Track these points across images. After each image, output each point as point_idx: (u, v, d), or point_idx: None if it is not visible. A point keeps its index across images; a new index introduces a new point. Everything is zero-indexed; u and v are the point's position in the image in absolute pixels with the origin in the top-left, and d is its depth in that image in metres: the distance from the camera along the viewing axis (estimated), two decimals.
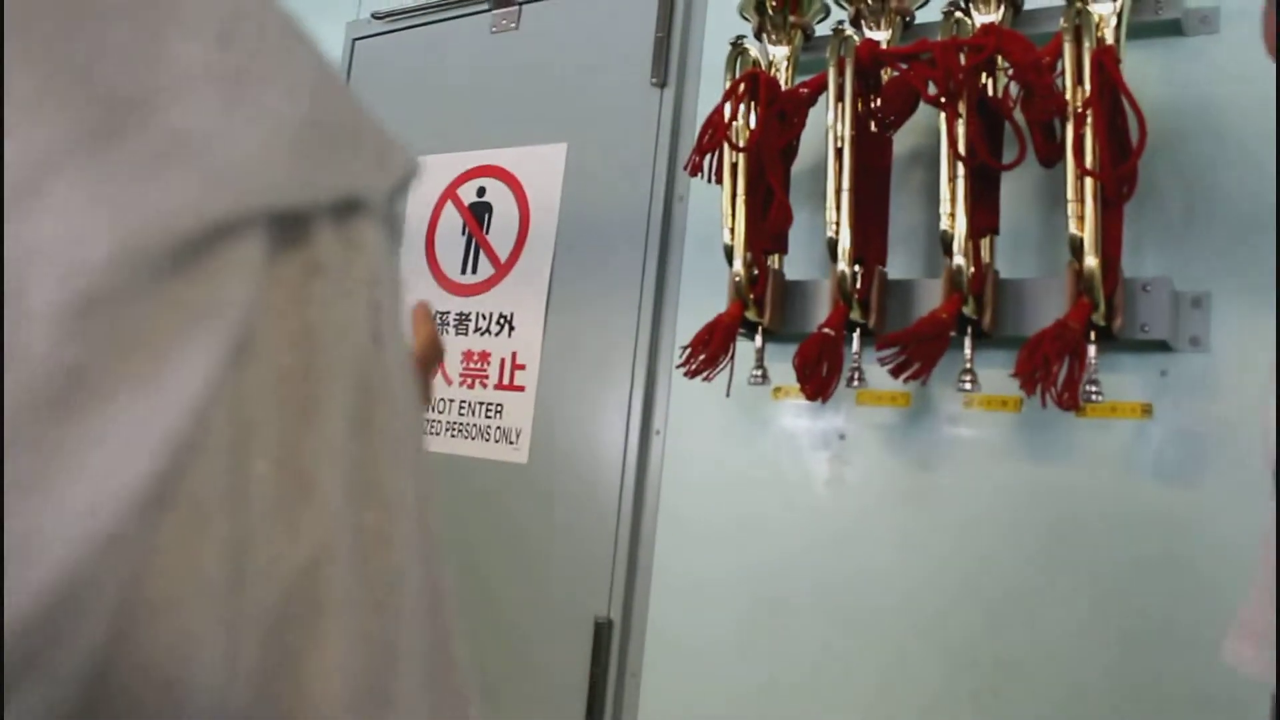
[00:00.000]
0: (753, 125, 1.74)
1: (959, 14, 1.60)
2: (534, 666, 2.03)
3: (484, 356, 2.19)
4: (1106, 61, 1.44)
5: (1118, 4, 1.52)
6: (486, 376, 2.19)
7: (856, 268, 1.65)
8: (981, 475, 1.72)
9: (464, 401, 2.20)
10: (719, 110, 1.73)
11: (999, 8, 1.61)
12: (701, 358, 1.74)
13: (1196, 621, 1.54)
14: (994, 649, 1.68)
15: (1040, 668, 1.64)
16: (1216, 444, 1.57)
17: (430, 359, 0.86)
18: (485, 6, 2.36)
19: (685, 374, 1.75)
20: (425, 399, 0.83)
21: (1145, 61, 1.64)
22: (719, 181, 1.79)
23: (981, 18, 1.61)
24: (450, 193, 2.30)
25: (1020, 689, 1.65)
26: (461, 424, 2.20)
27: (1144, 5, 1.61)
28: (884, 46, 1.67)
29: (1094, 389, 1.51)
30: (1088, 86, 1.46)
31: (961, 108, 1.53)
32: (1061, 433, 1.67)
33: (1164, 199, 1.61)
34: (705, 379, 1.75)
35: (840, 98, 1.64)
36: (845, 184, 1.63)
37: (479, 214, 2.26)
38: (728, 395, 1.80)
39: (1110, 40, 1.51)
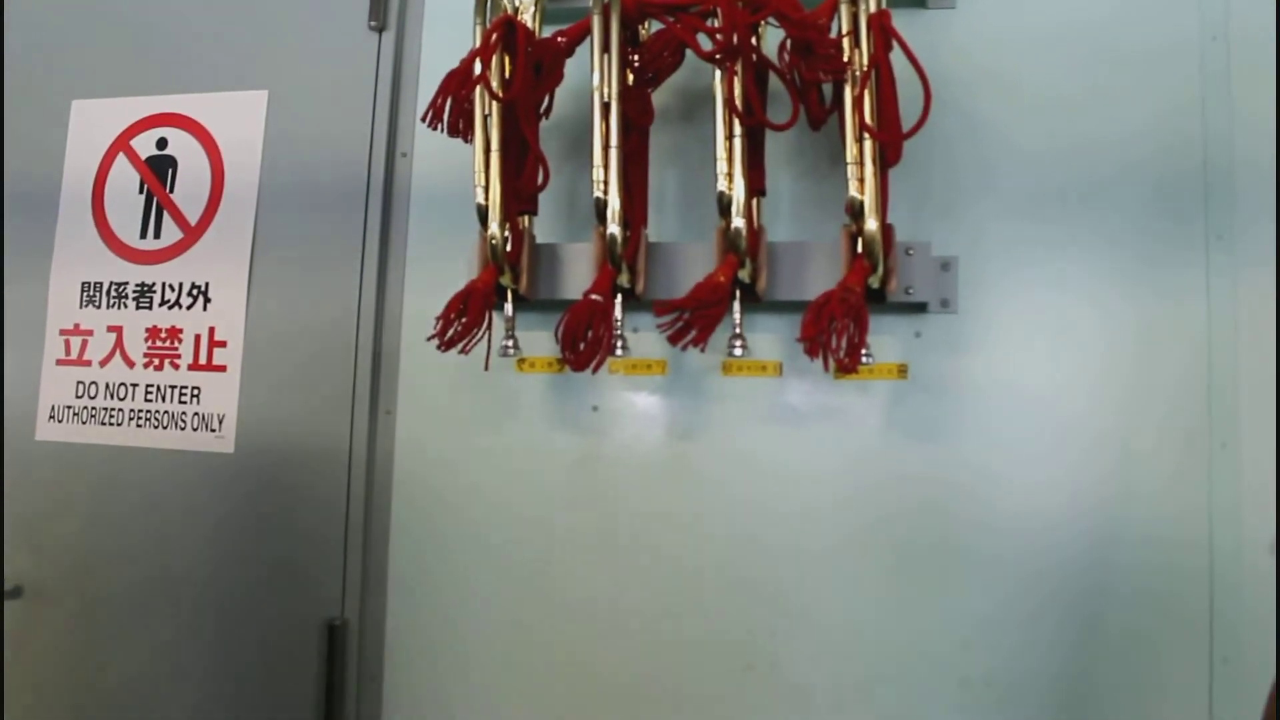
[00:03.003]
0: (497, 77, 1.60)
1: None
2: (260, 679, 1.80)
3: (174, 333, 1.90)
4: (887, 25, 1.45)
5: None
6: (178, 356, 1.90)
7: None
8: (742, 442, 1.71)
9: (151, 385, 1.90)
10: (471, 58, 1.58)
11: None
12: (456, 328, 1.59)
13: (959, 564, 1.61)
14: (762, 619, 1.67)
15: (814, 631, 1.65)
16: (966, 401, 1.64)
17: None
18: None
19: (439, 347, 1.59)
20: None
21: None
22: (463, 136, 1.64)
23: None
24: (122, 144, 1.97)
25: (799, 657, 1.65)
26: (149, 411, 1.90)
27: None
28: None
29: (865, 352, 1.52)
30: (863, 50, 1.46)
31: (738, 66, 1.48)
32: (821, 396, 1.69)
33: (904, 166, 1.64)
34: (462, 351, 1.60)
35: (606, 49, 1.55)
36: (613, 141, 1.54)
37: (160, 169, 1.95)
38: (486, 368, 1.66)
39: (874, 7, 1.51)
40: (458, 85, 1.61)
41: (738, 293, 1.58)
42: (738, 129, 1.50)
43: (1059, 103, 1.66)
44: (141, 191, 1.95)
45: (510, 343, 1.66)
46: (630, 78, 1.62)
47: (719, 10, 1.47)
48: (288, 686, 1.79)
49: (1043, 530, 1.60)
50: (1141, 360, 1.61)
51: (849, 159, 1.47)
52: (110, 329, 1.94)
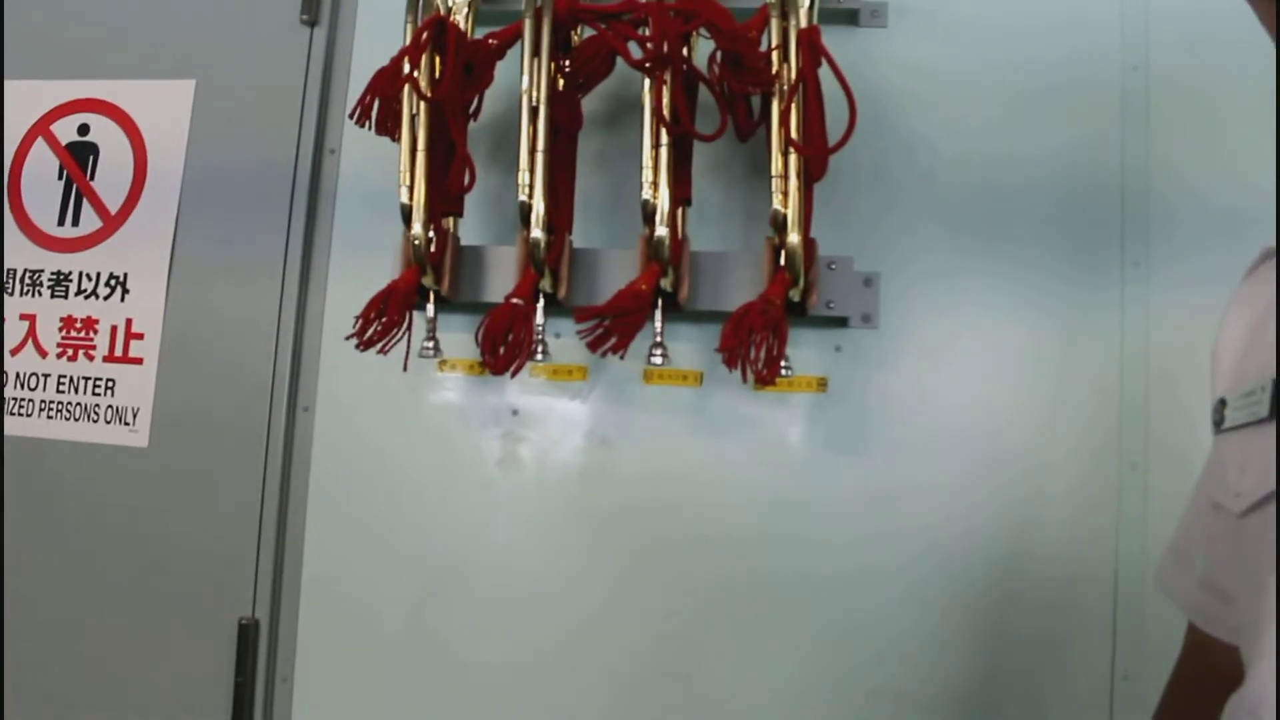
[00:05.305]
0: (426, 77, 1.59)
1: None
2: (169, 677, 1.77)
3: (89, 324, 1.86)
4: (816, 41, 1.46)
5: None
6: (93, 347, 1.86)
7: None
8: (664, 450, 1.71)
9: (64, 376, 1.86)
10: (400, 56, 1.56)
11: None
12: (376, 327, 1.58)
13: (872, 575, 1.63)
14: (677, 629, 1.68)
15: (729, 641, 1.66)
16: (884, 415, 1.66)
17: None
18: None
19: (357, 346, 1.58)
20: None
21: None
22: (390, 135, 1.63)
23: None
24: (42, 128, 1.92)
25: (719, 666, 1.66)
26: (61, 403, 1.85)
27: None
28: (583, 2, 1.59)
29: (784, 364, 1.53)
30: (792, 65, 1.48)
31: (667, 75, 1.49)
32: (741, 407, 1.70)
33: (830, 181, 1.65)
34: (381, 351, 1.58)
35: (536, 53, 1.54)
36: (540, 145, 1.53)
37: (81, 156, 1.91)
38: (405, 369, 1.64)
39: (804, 22, 1.53)
40: (386, 83, 1.59)
41: (659, 301, 1.58)
42: (665, 138, 1.51)
43: (984, 126, 1.69)
44: (61, 178, 1.91)
45: (431, 344, 1.65)
46: (560, 82, 1.62)
47: (650, 19, 1.48)
48: (197, 686, 1.76)
49: (954, 541, 1.62)
50: (1056, 381, 1.64)
51: (774, 172, 1.48)
52: (23, 317, 1.89)
